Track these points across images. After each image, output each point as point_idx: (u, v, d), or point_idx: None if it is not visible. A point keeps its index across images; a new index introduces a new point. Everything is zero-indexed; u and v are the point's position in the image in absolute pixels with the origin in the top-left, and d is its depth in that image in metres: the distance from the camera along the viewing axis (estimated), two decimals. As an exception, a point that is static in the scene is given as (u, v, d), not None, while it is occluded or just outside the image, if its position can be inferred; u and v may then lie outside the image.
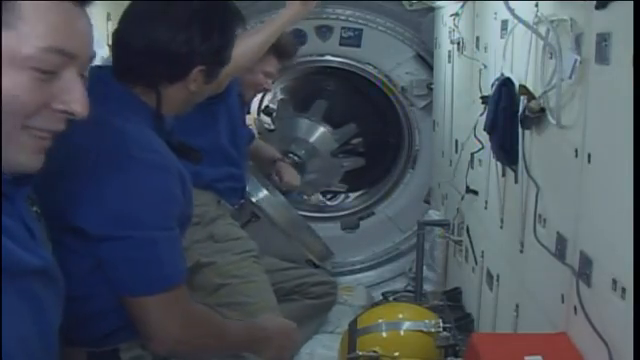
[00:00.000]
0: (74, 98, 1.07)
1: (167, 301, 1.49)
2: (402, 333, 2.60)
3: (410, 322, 2.62)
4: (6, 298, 1.00)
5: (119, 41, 1.64)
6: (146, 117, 1.59)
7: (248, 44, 2.44)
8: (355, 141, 4.71)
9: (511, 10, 1.92)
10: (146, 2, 1.63)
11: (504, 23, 2.29)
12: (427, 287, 3.53)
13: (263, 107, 4.65)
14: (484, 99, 2.39)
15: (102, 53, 2.40)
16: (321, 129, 4.45)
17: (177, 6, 1.60)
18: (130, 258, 1.45)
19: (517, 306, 2.14)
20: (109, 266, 1.46)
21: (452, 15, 3.20)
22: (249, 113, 4.05)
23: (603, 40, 1.44)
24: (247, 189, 3.00)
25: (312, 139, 4.41)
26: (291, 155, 4.12)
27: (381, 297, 4.10)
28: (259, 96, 4.30)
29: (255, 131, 3.85)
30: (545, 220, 1.87)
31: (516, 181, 2.14)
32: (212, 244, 2.61)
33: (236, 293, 2.49)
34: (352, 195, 4.92)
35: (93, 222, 1.42)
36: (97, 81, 1.46)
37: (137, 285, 1.47)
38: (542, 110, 1.86)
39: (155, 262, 1.47)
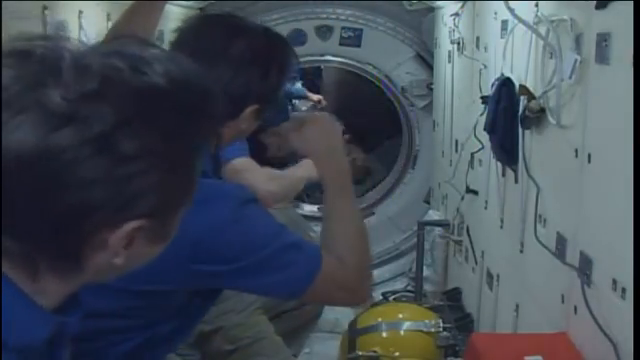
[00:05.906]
0: None
1: (326, 274, 1.44)
2: (402, 333, 2.60)
3: (410, 322, 2.62)
4: None
5: None
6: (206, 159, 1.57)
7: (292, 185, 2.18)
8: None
9: (511, 10, 1.93)
10: (203, 40, 1.55)
11: (504, 23, 2.29)
12: (427, 287, 3.53)
13: None
14: (484, 99, 2.39)
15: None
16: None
17: (238, 45, 1.53)
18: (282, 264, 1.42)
19: (517, 306, 2.14)
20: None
21: (452, 15, 3.20)
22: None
23: (603, 40, 1.44)
24: None
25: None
26: None
27: (381, 297, 4.09)
28: None
29: None
30: (545, 220, 1.87)
31: (516, 181, 2.14)
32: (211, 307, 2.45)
33: (251, 355, 2.36)
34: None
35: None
36: None
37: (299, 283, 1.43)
38: (542, 110, 1.86)
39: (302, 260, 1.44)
